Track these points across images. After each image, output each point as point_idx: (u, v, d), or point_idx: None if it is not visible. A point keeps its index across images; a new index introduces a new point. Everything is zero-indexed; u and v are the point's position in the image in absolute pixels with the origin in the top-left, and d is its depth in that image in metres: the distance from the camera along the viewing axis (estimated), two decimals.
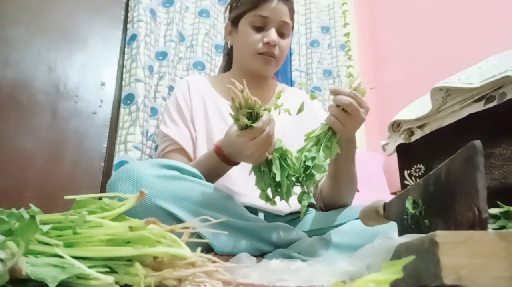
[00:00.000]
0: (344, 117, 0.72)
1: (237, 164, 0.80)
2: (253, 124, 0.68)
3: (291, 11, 0.99)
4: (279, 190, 0.73)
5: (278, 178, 0.70)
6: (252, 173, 0.76)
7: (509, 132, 0.81)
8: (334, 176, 0.86)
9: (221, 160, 0.78)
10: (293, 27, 1.04)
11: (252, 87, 1.05)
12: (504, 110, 0.82)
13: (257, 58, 0.97)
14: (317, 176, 0.71)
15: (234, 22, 1.01)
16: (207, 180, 0.78)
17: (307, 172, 0.71)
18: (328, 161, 0.73)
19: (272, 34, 0.94)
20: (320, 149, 0.72)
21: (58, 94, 1.24)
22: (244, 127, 0.70)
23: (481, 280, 0.27)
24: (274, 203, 0.75)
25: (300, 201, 0.74)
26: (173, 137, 0.97)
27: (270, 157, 0.71)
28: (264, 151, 0.71)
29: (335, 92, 0.73)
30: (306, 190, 0.74)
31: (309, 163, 0.71)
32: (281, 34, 0.98)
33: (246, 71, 1.03)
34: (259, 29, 0.96)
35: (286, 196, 0.72)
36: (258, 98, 1.05)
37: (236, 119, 0.70)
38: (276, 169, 0.71)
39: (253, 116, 0.69)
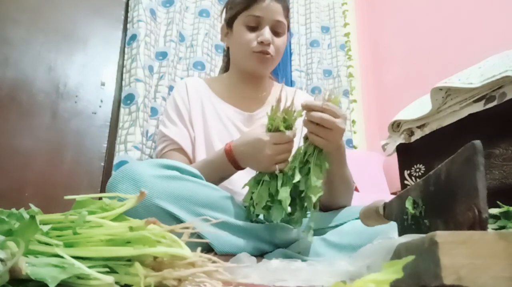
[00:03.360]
0: (324, 132, 0.70)
1: (242, 168, 0.80)
2: (285, 130, 0.71)
3: (285, 10, 0.99)
4: (270, 206, 0.72)
5: (280, 197, 0.69)
6: (251, 175, 0.77)
7: (509, 132, 0.81)
8: (329, 183, 0.84)
9: (229, 161, 0.78)
10: (289, 26, 1.04)
11: (248, 87, 1.06)
12: (504, 110, 0.82)
13: (252, 58, 0.97)
14: (314, 198, 0.69)
15: (229, 23, 1.02)
16: (209, 182, 0.78)
17: (302, 195, 0.71)
18: (320, 181, 0.70)
19: (266, 33, 0.95)
20: (310, 170, 0.70)
21: (58, 94, 1.24)
22: (274, 131, 0.73)
23: (481, 280, 0.27)
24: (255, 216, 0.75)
25: (296, 222, 0.74)
26: (172, 137, 0.97)
27: (277, 171, 0.72)
28: (278, 161, 0.72)
29: (307, 108, 0.71)
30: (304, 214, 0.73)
31: (302, 187, 0.70)
32: (276, 33, 0.98)
33: (242, 72, 1.03)
34: (253, 29, 0.97)
35: (276, 215, 0.71)
36: (254, 98, 1.06)
37: (272, 120, 0.72)
38: (280, 187, 0.70)
39: (286, 124, 0.72)
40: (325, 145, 0.72)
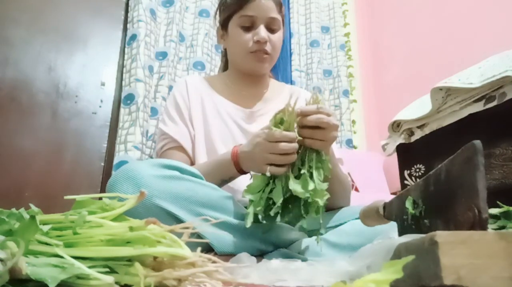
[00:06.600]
0: (320, 133, 0.70)
1: (244, 172, 0.79)
2: (275, 129, 0.70)
3: (278, 6, 0.99)
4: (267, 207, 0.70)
5: (276, 200, 0.67)
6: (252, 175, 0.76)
7: (509, 132, 0.81)
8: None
9: (232, 161, 0.78)
10: (283, 21, 1.04)
11: (248, 85, 1.06)
12: (504, 110, 0.82)
13: (250, 58, 0.98)
14: (321, 202, 0.68)
15: (224, 25, 1.02)
16: (210, 181, 0.77)
17: (309, 201, 0.68)
18: (326, 183, 0.69)
19: (262, 32, 0.95)
20: (312, 174, 0.69)
21: (58, 94, 1.24)
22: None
23: (481, 280, 0.27)
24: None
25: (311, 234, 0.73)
26: (172, 135, 0.97)
27: (268, 173, 0.69)
28: (270, 160, 0.70)
29: (302, 114, 0.70)
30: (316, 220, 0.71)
31: (307, 194, 0.67)
32: (271, 30, 0.98)
33: (241, 71, 1.04)
34: (248, 28, 0.97)
35: (247, 218, 0.69)
36: (254, 95, 1.06)
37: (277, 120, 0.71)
38: (255, 191, 0.70)
39: (285, 124, 0.70)
40: (323, 145, 0.71)
